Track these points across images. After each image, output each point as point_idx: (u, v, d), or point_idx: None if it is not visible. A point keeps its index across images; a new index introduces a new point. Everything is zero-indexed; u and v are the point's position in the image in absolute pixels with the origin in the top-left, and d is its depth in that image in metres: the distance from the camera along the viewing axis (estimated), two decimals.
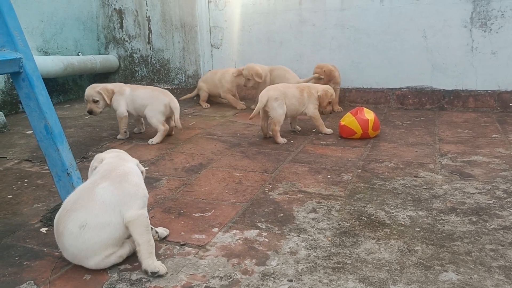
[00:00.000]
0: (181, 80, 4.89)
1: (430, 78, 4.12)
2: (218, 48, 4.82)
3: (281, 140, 3.11)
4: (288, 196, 2.17)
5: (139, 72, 5.11)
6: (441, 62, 4.07)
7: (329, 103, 3.23)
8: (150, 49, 4.99)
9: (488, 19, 3.87)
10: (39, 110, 1.90)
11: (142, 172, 1.70)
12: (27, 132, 3.57)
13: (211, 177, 2.46)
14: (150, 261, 1.49)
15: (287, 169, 2.56)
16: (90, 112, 3.22)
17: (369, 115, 3.08)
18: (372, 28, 4.21)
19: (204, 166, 2.66)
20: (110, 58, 5.09)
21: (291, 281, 1.45)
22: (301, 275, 1.48)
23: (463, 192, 2.14)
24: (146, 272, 1.49)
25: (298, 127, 3.46)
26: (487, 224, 1.81)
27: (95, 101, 3.18)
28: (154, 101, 3.16)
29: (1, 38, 1.85)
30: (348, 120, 3.09)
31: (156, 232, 1.74)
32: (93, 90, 3.19)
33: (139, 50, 5.07)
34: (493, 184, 2.23)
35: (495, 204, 1.99)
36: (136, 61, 5.11)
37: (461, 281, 1.42)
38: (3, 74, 1.96)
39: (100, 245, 1.49)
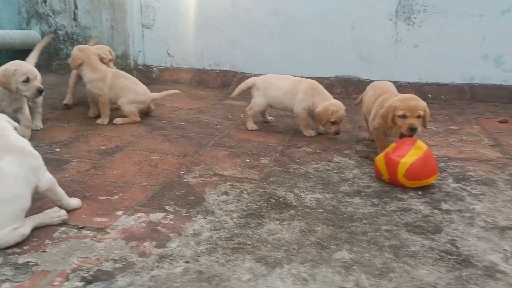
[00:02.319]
0: None
1: (356, 68, 4.25)
2: (150, 29, 4.65)
3: (251, 126, 3.04)
4: (203, 179, 2.15)
5: (64, 50, 4.80)
6: (367, 53, 4.20)
7: (333, 123, 2.80)
8: (76, 26, 4.71)
9: (412, 13, 4.05)
10: None
11: (15, 128, 1.70)
12: None
13: (126, 160, 2.37)
14: (73, 201, 1.79)
15: (207, 153, 2.54)
16: None
17: (408, 157, 2.06)
18: (304, 17, 4.25)
19: (121, 149, 2.56)
20: (32, 34, 4.74)
21: (187, 262, 1.44)
22: (199, 256, 1.47)
23: (371, 176, 2.23)
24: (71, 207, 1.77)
25: (269, 117, 3.24)
26: (387, 206, 1.90)
27: None
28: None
29: None
30: (379, 157, 2.19)
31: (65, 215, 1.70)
32: None
33: (64, 27, 4.76)
34: None
35: (398, 187, 2.09)
36: (61, 39, 4.80)
37: (352, 259, 1.48)
38: None
39: (11, 217, 1.49)
